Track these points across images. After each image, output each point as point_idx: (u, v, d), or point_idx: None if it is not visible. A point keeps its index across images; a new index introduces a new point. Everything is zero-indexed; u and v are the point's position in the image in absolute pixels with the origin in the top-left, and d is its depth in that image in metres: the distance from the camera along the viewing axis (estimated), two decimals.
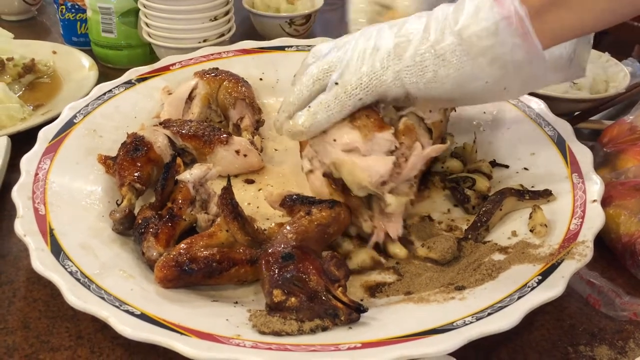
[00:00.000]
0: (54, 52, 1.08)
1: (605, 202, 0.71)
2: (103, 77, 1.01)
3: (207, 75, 0.88)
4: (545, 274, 0.59)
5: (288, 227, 0.62)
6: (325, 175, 0.66)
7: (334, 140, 0.64)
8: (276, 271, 0.57)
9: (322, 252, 0.62)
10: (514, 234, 0.67)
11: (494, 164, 0.79)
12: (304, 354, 0.51)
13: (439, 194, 0.77)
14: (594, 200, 0.67)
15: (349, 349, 0.52)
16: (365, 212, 0.67)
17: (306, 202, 0.66)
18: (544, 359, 0.60)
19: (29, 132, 0.84)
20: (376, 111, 0.64)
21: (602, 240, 0.71)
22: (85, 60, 1.05)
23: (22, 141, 0.83)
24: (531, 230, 0.67)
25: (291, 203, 0.66)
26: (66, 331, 0.62)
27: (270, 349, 0.52)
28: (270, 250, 0.59)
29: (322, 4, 1.17)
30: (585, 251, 0.61)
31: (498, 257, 0.64)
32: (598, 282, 0.66)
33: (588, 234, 0.63)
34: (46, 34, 1.27)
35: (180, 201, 0.66)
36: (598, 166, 0.77)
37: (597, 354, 0.60)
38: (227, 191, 0.65)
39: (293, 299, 0.56)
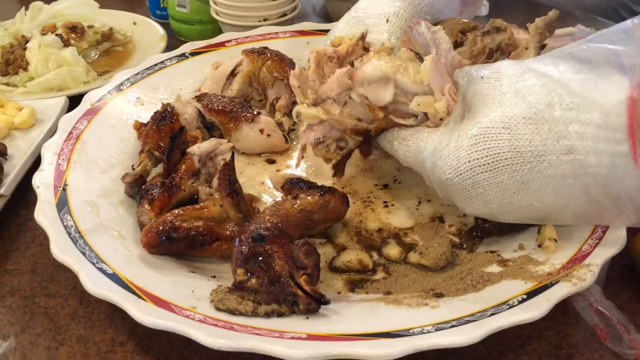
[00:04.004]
0: (134, 23, 1.15)
1: None
2: (173, 49, 1.05)
3: (253, 54, 0.89)
4: (531, 294, 0.54)
5: (270, 209, 0.61)
6: None
7: None
8: (244, 250, 0.56)
9: (300, 238, 0.60)
10: (521, 247, 0.62)
11: None
12: (245, 335, 0.51)
13: None
14: None
15: (292, 338, 0.51)
16: None
17: (302, 186, 0.64)
18: None
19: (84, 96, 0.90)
20: None
21: (635, 269, 0.64)
22: (160, 33, 1.10)
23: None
24: (539, 245, 0.60)
25: (290, 186, 0.65)
26: (65, 281, 0.66)
27: (216, 325, 0.52)
28: (245, 229, 0.59)
29: None
30: (585, 275, 0.54)
31: (494, 269, 0.59)
32: (609, 312, 0.58)
33: (597, 258, 0.56)
34: (140, 6, 1.34)
35: (182, 172, 0.68)
36: None
37: None
38: (227, 167, 0.65)
39: (254, 280, 0.55)
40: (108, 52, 1.08)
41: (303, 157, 0.72)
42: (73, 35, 1.04)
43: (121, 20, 1.14)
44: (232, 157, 0.67)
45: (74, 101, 0.91)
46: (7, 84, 0.98)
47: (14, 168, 0.77)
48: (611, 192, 0.52)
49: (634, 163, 0.50)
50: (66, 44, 1.02)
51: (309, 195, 0.62)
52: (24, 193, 0.78)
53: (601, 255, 0.56)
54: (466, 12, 0.83)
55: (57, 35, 1.02)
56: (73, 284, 0.66)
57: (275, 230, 0.58)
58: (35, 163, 0.80)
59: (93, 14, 1.12)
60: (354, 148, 0.71)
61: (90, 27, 1.08)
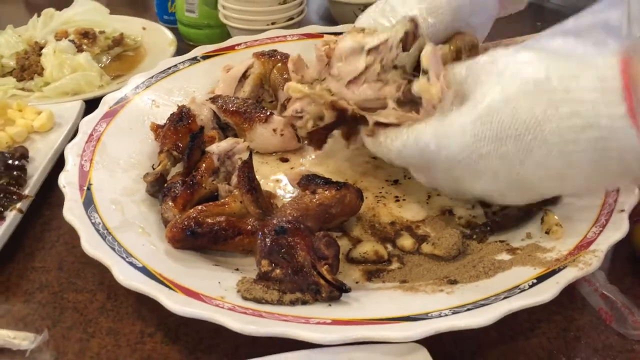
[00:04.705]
0: (144, 29, 1.17)
1: None
2: (183, 53, 1.08)
3: (264, 56, 0.92)
4: (541, 279, 0.57)
5: (290, 203, 0.64)
6: None
7: None
8: (267, 242, 0.59)
9: (319, 230, 0.63)
10: (529, 236, 0.65)
11: None
12: (273, 322, 0.54)
13: None
14: (622, 210, 0.63)
15: (317, 323, 0.54)
16: None
17: (319, 182, 0.67)
18: None
19: (102, 99, 0.93)
20: None
21: (636, 255, 0.67)
22: (169, 37, 1.13)
23: (96, 106, 0.92)
24: (547, 232, 0.64)
25: (306, 182, 0.68)
26: (92, 276, 0.69)
27: (245, 313, 0.55)
28: (267, 223, 0.62)
29: None
30: (591, 260, 0.58)
31: (504, 256, 0.62)
32: (613, 296, 0.61)
33: (602, 244, 0.59)
34: (147, 11, 1.37)
35: (202, 170, 0.71)
36: None
37: None
38: (246, 165, 0.68)
39: (278, 271, 0.58)
40: (119, 56, 1.11)
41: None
42: (85, 40, 1.07)
43: (131, 26, 1.17)
44: (250, 155, 0.69)
45: (90, 104, 0.94)
46: (23, 89, 1.00)
47: (37, 170, 0.80)
48: (614, 154, 0.53)
49: (632, 123, 0.51)
50: (79, 49, 1.05)
51: (326, 190, 0.65)
52: (47, 194, 0.81)
53: (606, 242, 0.60)
54: (506, 11, 0.82)
55: (69, 41, 1.05)
56: (100, 279, 0.69)
57: (296, 223, 0.61)
58: (56, 165, 0.83)
59: (104, 19, 1.14)
60: (329, 123, 0.74)
61: (101, 32, 1.10)
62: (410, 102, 0.67)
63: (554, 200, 0.66)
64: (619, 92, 0.51)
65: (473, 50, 0.72)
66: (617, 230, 0.61)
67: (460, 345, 0.59)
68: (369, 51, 0.70)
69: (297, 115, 0.75)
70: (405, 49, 0.68)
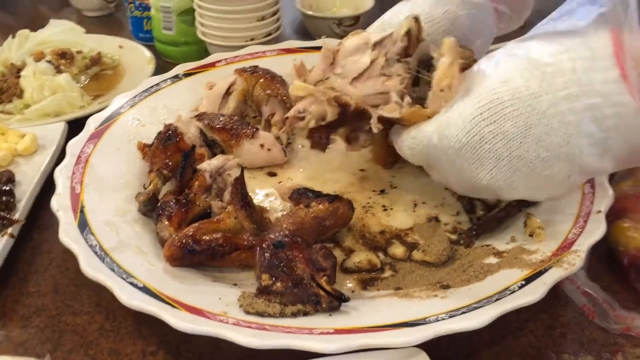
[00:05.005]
0: (121, 47, 1.18)
1: (619, 214, 0.71)
2: (162, 71, 1.07)
3: (245, 73, 0.93)
4: (529, 280, 0.60)
5: (286, 218, 0.66)
6: None
7: None
8: (267, 257, 0.61)
9: (315, 243, 0.65)
10: (513, 239, 0.68)
11: None
12: (278, 334, 0.56)
13: (452, 196, 0.78)
14: (599, 211, 0.67)
15: (321, 333, 0.56)
16: None
17: (311, 195, 0.69)
18: None
19: (85, 119, 0.93)
20: None
21: (613, 253, 0.71)
22: (147, 55, 1.14)
23: (79, 127, 0.91)
24: (530, 235, 0.67)
25: (297, 196, 0.70)
26: (88, 298, 0.70)
27: (249, 327, 0.57)
28: (264, 238, 0.63)
29: (372, 5, 1.20)
30: (574, 260, 0.61)
31: (492, 260, 0.65)
32: (595, 293, 0.65)
33: (583, 244, 0.63)
34: (120, 29, 1.37)
35: (195, 188, 0.72)
36: (620, 179, 0.76)
37: None
38: (239, 181, 0.70)
39: (279, 284, 0.60)
40: (97, 76, 1.11)
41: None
42: (63, 61, 1.07)
43: (107, 44, 1.17)
44: (242, 172, 0.71)
45: (73, 125, 0.94)
46: (2, 112, 1.00)
47: (25, 193, 0.80)
48: (610, 122, 0.54)
49: (626, 86, 0.53)
50: (57, 70, 1.05)
51: (320, 203, 0.67)
52: (35, 217, 0.81)
53: (586, 242, 0.63)
54: (505, 29, 0.83)
55: (47, 62, 1.05)
56: (96, 300, 0.69)
57: (293, 236, 0.63)
58: (44, 188, 0.83)
59: (80, 39, 1.14)
60: (332, 121, 0.74)
61: (78, 52, 1.10)
62: (415, 100, 0.69)
63: (534, 203, 0.70)
64: (611, 57, 0.53)
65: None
66: (596, 230, 0.64)
67: (455, 347, 0.62)
68: (374, 45, 0.72)
69: (299, 115, 0.75)
70: (408, 52, 0.71)
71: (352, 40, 0.74)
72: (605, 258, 0.71)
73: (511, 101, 0.57)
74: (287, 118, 0.76)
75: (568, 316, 0.65)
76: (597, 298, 0.65)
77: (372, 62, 0.71)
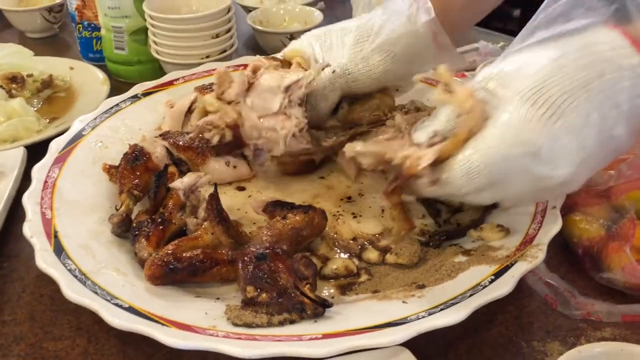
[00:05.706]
0: (71, 68, 1.16)
1: (570, 208, 0.76)
2: (116, 91, 1.08)
3: (206, 90, 0.95)
4: (498, 274, 0.64)
5: (264, 230, 0.68)
6: None
7: None
8: (250, 269, 0.63)
9: (294, 253, 0.67)
10: (479, 237, 0.72)
11: None
12: (269, 343, 0.57)
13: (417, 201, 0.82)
14: (554, 207, 0.72)
15: (310, 339, 0.58)
16: None
17: (285, 207, 0.72)
18: (498, 353, 0.65)
19: (44, 144, 0.92)
20: None
21: (568, 245, 0.76)
22: (100, 76, 1.13)
23: (38, 152, 0.90)
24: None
25: (272, 209, 0.72)
26: (67, 323, 0.69)
27: (240, 338, 0.58)
28: (246, 251, 0.65)
29: (322, 19, 1.23)
30: (537, 254, 0.66)
31: (461, 258, 0.69)
32: (556, 283, 0.70)
33: (543, 238, 0.68)
34: (67, 50, 1.35)
35: (170, 207, 0.73)
36: None
37: (549, 349, 0.65)
38: (213, 198, 0.71)
39: (264, 295, 0.62)
40: (50, 99, 1.10)
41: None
42: (14, 85, 1.05)
43: (58, 66, 1.15)
44: (216, 188, 0.73)
45: (31, 150, 0.93)
46: None
47: None
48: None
49: None
50: (9, 94, 1.03)
51: (296, 215, 0.69)
52: (1, 245, 0.80)
53: (546, 236, 0.68)
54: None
55: None
56: (76, 324, 0.69)
57: (274, 248, 0.65)
58: (8, 215, 0.82)
59: (29, 62, 1.12)
60: (228, 141, 0.81)
61: (29, 75, 1.09)
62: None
63: (495, 205, 0.75)
64: (630, 47, 0.57)
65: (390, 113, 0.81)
66: (554, 224, 0.69)
67: (433, 344, 0.65)
68: (285, 89, 0.77)
69: (207, 126, 0.81)
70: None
71: (268, 79, 0.78)
72: (561, 250, 0.77)
73: (569, 93, 0.57)
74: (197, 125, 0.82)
75: (533, 306, 0.70)
76: (558, 287, 0.70)
77: (279, 108, 0.77)
